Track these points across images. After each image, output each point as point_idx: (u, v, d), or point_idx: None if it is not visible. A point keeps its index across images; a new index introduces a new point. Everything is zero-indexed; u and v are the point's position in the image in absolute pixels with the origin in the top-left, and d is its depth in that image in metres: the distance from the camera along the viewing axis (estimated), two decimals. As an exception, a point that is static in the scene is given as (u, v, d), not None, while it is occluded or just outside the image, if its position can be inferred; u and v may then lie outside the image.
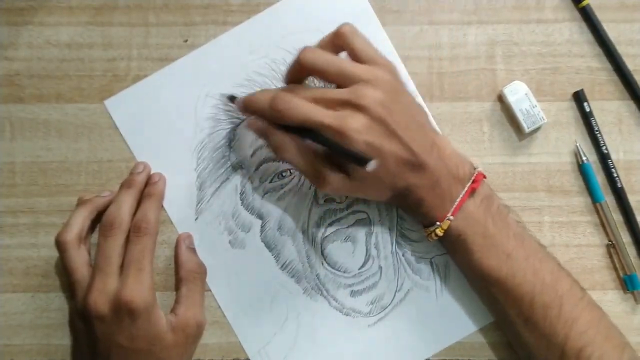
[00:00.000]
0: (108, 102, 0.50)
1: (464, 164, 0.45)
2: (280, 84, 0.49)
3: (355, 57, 0.43)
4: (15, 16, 0.50)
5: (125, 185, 0.47)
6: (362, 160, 0.39)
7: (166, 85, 0.50)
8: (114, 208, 0.46)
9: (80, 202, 0.48)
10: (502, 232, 0.44)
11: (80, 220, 0.46)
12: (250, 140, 0.49)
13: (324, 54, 0.42)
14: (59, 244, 0.46)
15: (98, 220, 0.47)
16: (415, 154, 0.42)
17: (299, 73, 0.44)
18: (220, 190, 0.49)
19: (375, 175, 0.41)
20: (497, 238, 0.44)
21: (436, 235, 0.44)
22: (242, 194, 0.49)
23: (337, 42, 0.43)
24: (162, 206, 0.49)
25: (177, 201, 0.49)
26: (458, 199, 0.44)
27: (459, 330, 0.48)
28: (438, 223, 0.44)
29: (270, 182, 0.49)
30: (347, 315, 0.49)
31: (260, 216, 0.49)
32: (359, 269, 0.49)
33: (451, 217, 0.44)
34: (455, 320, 0.48)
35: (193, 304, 0.47)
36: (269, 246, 0.49)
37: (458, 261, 0.47)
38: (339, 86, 0.42)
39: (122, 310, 0.42)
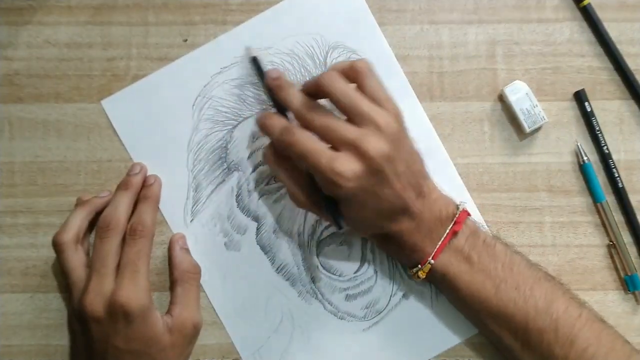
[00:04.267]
0: (105, 102, 0.49)
1: (447, 206, 0.45)
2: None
3: (365, 94, 0.42)
4: (14, 16, 0.50)
5: (122, 186, 0.47)
6: (336, 222, 0.43)
7: (164, 85, 0.50)
8: (110, 209, 0.46)
9: (79, 203, 0.48)
10: (489, 266, 0.44)
11: (78, 221, 0.46)
12: (247, 143, 0.49)
13: (342, 84, 0.42)
14: (56, 245, 0.45)
15: (96, 221, 0.47)
16: (406, 202, 0.42)
17: (315, 91, 0.43)
18: (216, 192, 0.49)
19: (362, 217, 0.42)
20: (484, 273, 0.44)
21: (419, 277, 0.45)
22: (238, 196, 0.49)
23: (351, 75, 0.43)
24: (158, 207, 0.49)
25: (173, 202, 0.49)
26: (439, 242, 0.44)
27: (454, 336, 0.48)
28: (420, 266, 0.44)
29: (267, 184, 0.49)
30: (341, 319, 0.48)
31: (256, 218, 0.49)
32: (354, 273, 0.49)
33: (432, 261, 0.44)
34: (450, 326, 0.48)
35: (189, 305, 0.47)
36: (264, 249, 0.49)
37: (448, 298, 0.47)
38: (348, 118, 0.42)
39: (118, 312, 0.42)
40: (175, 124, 0.49)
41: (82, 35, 0.50)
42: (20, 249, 0.49)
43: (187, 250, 0.48)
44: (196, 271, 0.48)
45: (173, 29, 0.50)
